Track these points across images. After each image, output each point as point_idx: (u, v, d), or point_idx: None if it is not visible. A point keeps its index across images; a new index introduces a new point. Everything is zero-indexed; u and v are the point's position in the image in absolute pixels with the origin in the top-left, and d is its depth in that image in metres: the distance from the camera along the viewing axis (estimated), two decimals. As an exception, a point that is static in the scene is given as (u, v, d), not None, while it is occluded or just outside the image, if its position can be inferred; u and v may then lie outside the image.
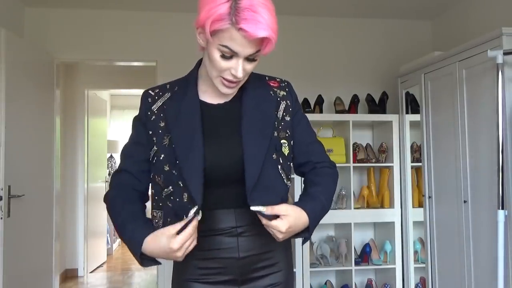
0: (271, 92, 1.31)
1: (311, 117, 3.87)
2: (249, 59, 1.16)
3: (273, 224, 1.14)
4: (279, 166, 1.26)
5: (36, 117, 3.63)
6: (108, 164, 6.93)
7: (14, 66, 3.22)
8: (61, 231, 4.68)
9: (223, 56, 1.14)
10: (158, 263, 1.21)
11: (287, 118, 1.30)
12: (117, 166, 1.36)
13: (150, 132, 1.25)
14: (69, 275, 5.26)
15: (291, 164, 1.33)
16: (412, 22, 4.40)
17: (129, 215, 1.23)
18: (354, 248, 3.91)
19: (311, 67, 4.25)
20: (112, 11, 4.07)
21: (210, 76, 1.21)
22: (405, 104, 3.83)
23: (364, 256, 3.94)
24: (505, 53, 2.54)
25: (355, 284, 3.88)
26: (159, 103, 1.27)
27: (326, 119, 3.95)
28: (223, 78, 1.18)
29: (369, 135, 4.26)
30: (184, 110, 1.23)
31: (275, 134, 1.26)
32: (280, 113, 1.29)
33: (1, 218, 3.00)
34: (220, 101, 1.28)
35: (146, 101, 1.29)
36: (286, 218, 1.15)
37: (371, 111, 4.08)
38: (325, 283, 3.99)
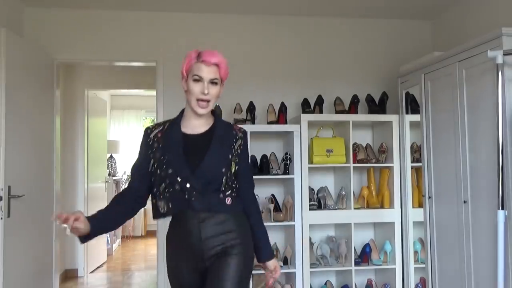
0: (234, 132, 1.96)
1: (311, 117, 3.90)
2: (212, 82, 1.84)
3: (275, 276, 2.01)
4: (224, 178, 1.86)
5: (36, 117, 3.63)
6: (108, 164, 6.92)
7: (14, 66, 3.22)
8: (61, 231, 4.68)
9: (195, 80, 1.83)
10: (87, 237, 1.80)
11: (239, 151, 1.94)
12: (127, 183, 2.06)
13: (149, 152, 1.90)
14: (69, 275, 5.26)
15: (233, 178, 1.93)
16: (412, 22, 4.40)
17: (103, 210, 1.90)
18: (354, 248, 3.91)
19: (311, 67, 4.25)
20: (112, 11, 4.07)
21: (191, 105, 1.86)
22: (405, 104, 3.84)
23: (364, 256, 3.94)
24: (505, 53, 2.54)
25: (355, 284, 3.87)
26: (154, 133, 1.94)
27: (326, 119, 3.95)
28: (198, 100, 1.84)
29: (369, 135, 4.26)
30: (172, 137, 1.89)
31: (230, 156, 1.89)
32: (236, 145, 1.93)
33: (1, 218, 3.00)
34: (196, 132, 1.90)
35: (147, 133, 1.95)
36: (276, 268, 2.02)
37: (371, 111, 4.08)
38: (325, 283, 3.99)
